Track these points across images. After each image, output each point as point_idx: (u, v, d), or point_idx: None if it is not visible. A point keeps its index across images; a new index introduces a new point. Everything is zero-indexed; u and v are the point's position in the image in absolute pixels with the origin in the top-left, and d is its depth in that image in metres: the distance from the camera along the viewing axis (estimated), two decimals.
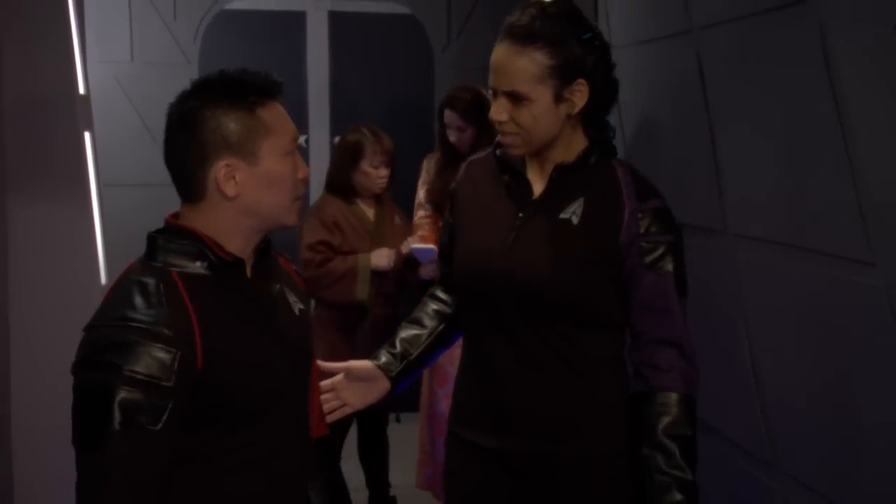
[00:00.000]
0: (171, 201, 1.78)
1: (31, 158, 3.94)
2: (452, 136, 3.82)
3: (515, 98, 2.00)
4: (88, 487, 1.57)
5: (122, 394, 1.53)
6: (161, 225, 1.74)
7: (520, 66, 1.99)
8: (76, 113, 4.03)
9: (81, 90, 4.11)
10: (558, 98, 2.01)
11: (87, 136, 4.13)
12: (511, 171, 2.12)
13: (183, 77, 5.29)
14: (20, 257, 3.95)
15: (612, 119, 3.81)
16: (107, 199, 4.30)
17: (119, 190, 4.94)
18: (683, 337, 2.06)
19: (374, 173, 3.75)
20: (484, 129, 3.61)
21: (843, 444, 2.31)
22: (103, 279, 4.11)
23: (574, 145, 2.07)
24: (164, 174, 4.44)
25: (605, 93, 2.05)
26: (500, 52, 2.02)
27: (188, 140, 1.64)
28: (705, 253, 2.91)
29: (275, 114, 1.69)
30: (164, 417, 1.55)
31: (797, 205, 2.46)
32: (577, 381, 2.07)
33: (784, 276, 2.54)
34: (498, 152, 2.15)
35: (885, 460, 2.14)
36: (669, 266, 2.04)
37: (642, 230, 2.01)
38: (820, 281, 2.36)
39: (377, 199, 3.84)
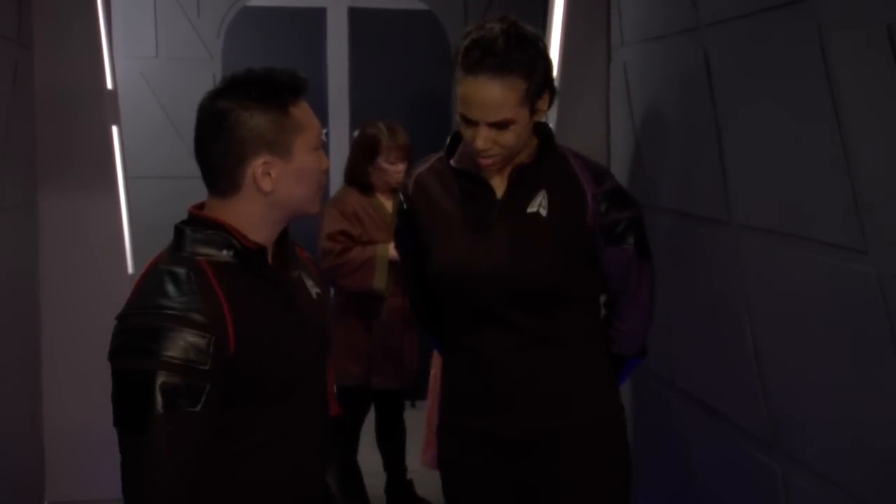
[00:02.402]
0: (193, 193, 1.87)
1: (61, 151, 4.07)
2: None
3: (501, 125, 2.09)
4: (135, 468, 1.64)
5: (162, 378, 1.60)
6: (184, 216, 1.80)
7: (502, 97, 2.07)
8: (104, 107, 4.16)
9: (109, 85, 4.23)
10: (532, 112, 2.14)
11: (114, 129, 4.25)
12: (469, 177, 2.22)
13: (206, 72, 5.44)
14: (51, 246, 4.08)
15: (625, 114, 3.91)
16: (132, 190, 4.42)
17: (143, 182, 5.05)
18: (645, 300, 2.36)
19: (391, 169, 3.85)
20: None
21: (840, 426, 2.40)
22: (130, 269, 4.22)
23: (530, 146, 2.21)
24: (187, 167, 4.56)
25: (554, 93, 2.20)
26: (477, 87, 2.07)
27: (224, 138, 1.71)
28: (711, 242, 3.00)
29: (304, 111, 1.77)
30: (203, 399, 1.63)
31: (797, 196, 2.55)
32: (565, 355, 2.23)
33: (785, 265, 2.63)
34: (452, 162, 2.24)
35: (879, 438, 2.23)
36: (631, 239, 2.25)
37: (604, 210, 2.19)
38: (818, 269, 2.45)
39: (394, 192, 3.95)
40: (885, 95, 2.11)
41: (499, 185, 2.22)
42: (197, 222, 1.77)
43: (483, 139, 2.11)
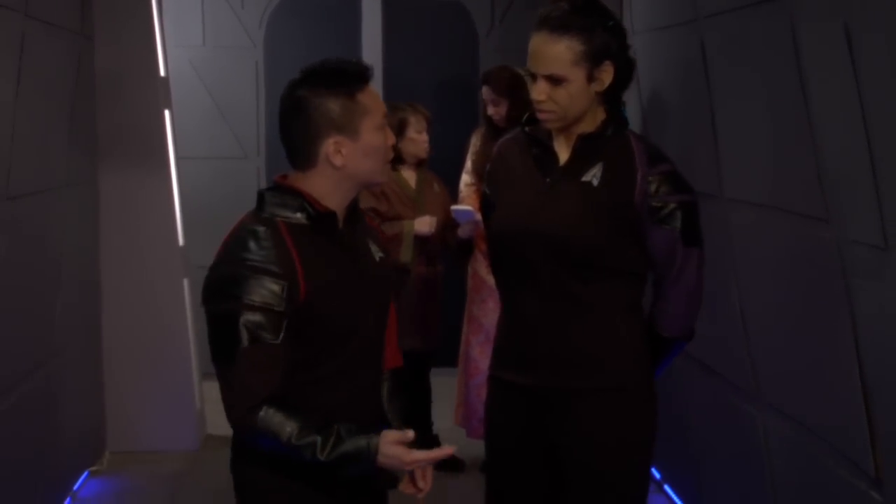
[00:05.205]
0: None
1: (118, 133, 4.43)
2: (490, 110, 4.25)
3: (554, 80, 2.28)
4: (231, 394, 1.96)
5: (246, 317, 1.92)
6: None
7: (557, 53, 2.28)
8: (157, 92, 4.50)
9: (161, 72, 4.56)
10: (590, 78, 2.30)
11: (166, 113, 4.59)
12: (539, 144, 2.40)
13: (249, 59, 5.78)
14: (110, 220, 4.45)
15: (634, 96, 4.19)
16: (180, 170, 4.76)
17: (191, 162, 5.32)
18: (689, 283, 2.36)
19: (419, 138, 4.19)
20: (516, 103, 4.01)
21: (814, 376, 2.67)
22: (181, 241, 4.58)
23: (596, 118, 2.35)
24: (231, 149, 4.92)
25: (625, 72, 2.35)
26: (539, 41, 2.31)
27: (301, 122, 2.00)
28: (705, 215, 3.26)
29: (370, 96, 2.05)
30: (282, 333, 1.94)
31: (776, 172, 2.83)
32: (596, 323, 2.34)
33: (765, 233, 2.90)
34: (527, 129, 2.42)
35: (847, 386, 2.48)
36: (678, 222, 2.31)
37: (652, 191, 2.29)
38: (791, 236, 2.73)
39: (418, 169, 4.27)
40: (842, 85, 2.37)
41: (563, 154, 2.38)
42: (278, 189, 2.07)
43: (538, 91, 2.31)
